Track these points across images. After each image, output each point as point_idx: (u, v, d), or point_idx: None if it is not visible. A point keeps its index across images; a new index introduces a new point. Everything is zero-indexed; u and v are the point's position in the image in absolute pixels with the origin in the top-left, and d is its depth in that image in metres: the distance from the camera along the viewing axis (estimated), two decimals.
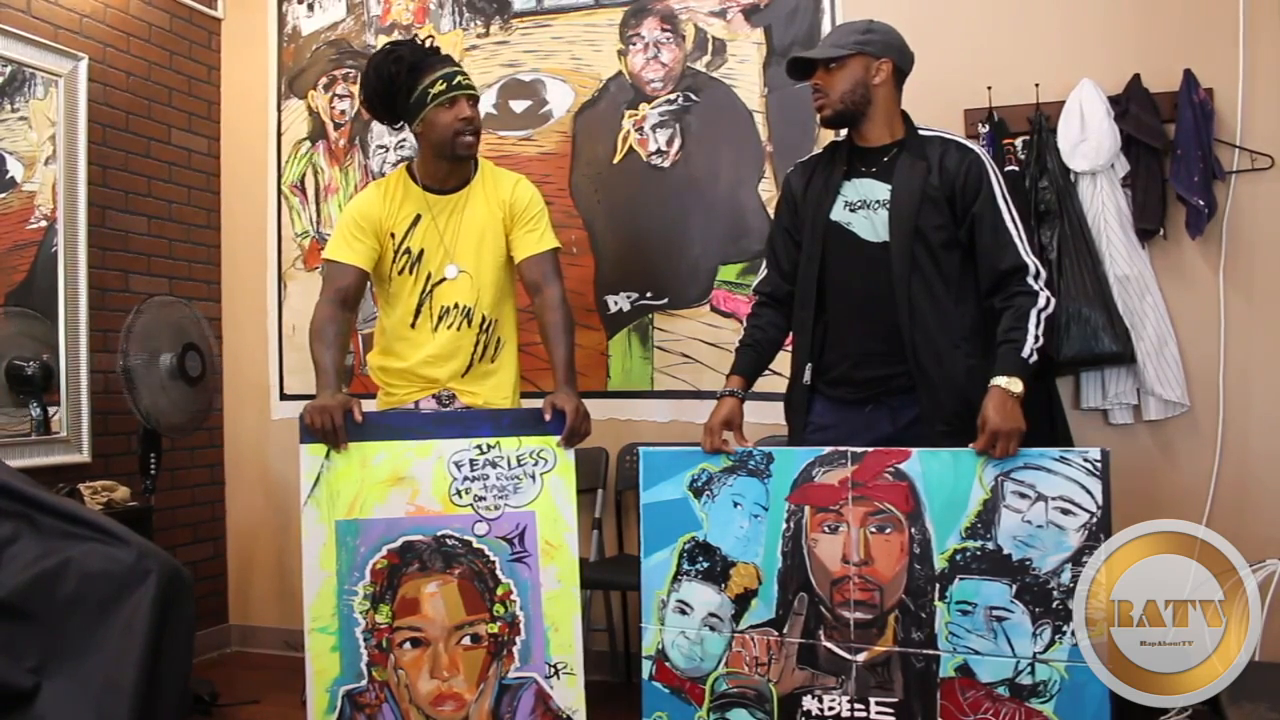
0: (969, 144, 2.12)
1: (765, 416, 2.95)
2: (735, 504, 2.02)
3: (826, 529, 1.95)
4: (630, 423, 3.08)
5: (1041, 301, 1.98)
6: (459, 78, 2.33)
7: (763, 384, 2.97)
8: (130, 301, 3.04)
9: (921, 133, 2.13)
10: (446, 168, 2.38)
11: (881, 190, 2.09)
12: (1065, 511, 1.82)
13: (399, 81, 2.30)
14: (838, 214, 2.12)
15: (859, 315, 2.10)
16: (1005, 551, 1.84)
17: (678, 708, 2.04)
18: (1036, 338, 1.95)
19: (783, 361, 2.70)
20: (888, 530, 1.91)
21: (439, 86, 2.29)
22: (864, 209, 2.11)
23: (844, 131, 2.20)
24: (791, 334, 2.25)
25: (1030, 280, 2.00)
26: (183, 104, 3.47)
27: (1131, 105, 2.60)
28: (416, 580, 2.13)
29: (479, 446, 2.16)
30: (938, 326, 2.04)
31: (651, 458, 2.11)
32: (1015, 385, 1.91)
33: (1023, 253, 2.01)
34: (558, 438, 2.17)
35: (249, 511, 3.56)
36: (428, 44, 2.39)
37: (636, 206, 3.12)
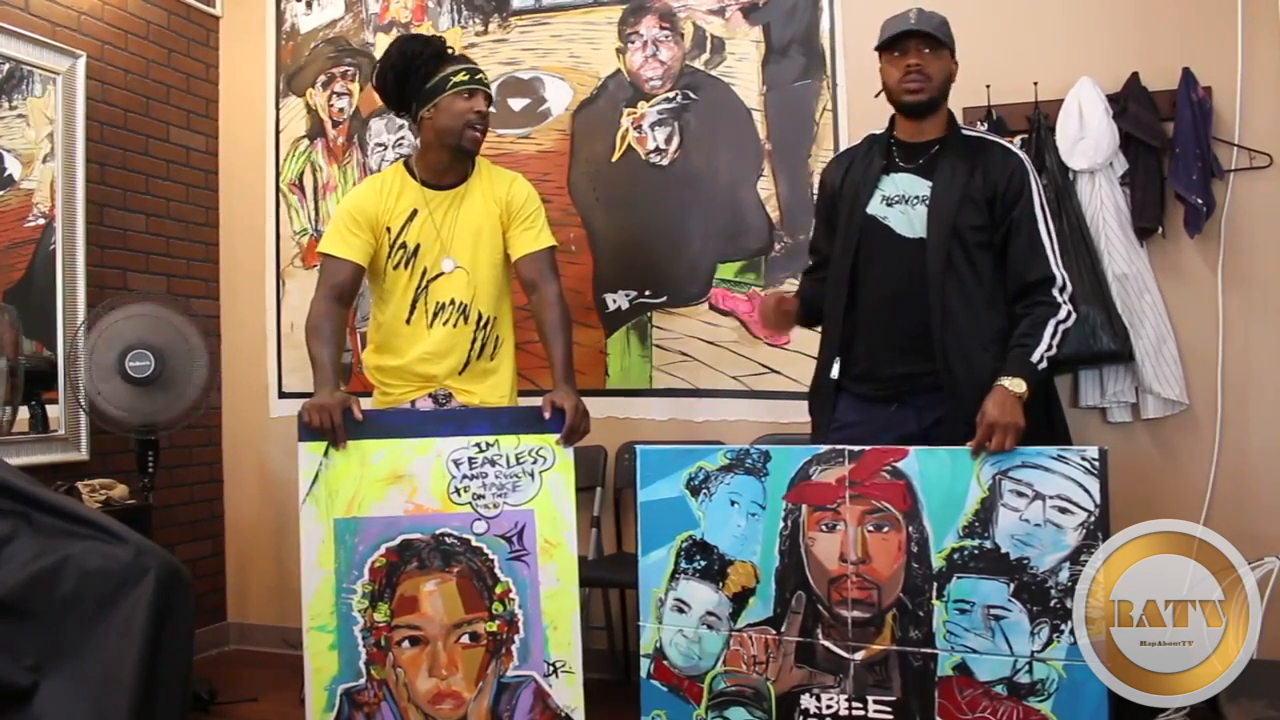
0: (1014, 148, 2.11)
1: (765, 415, 2.96)
2: (732, 502, 2.02)
3: (824, 527, 1.95)
4: (629, 421, 3.08)
5: (1062, 314, 1.98)
6: (480, 75, 2.38)
7: (763, 382, 2.98)
8: (129, 301, 3.04)
9: (965, 132, 2.13)
10: (447, 161, 2.38)
11: (921, 186, 2.08)
12: (1063, 510, 1.82)
13: (420, 61, 2.32)
14: (875, 208, 2.11)
15: (890, 311, 2.08)
16: (1003, 550, 1.84)
17: (676, 706, 2.04)
18: (1050, 346, 1.95)
19: (788, 361, 2.71)
20: (885, 529, 1.91)
21: (461, 76, 2.33)
22: (901, 204, 2.09)
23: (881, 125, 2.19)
24: (820, 326, 2.25)
25: (1055, 292, 1.99)
26: (181, 102, 3.46)
27: (1130, 103, 2.60)
28: (415, 578, 2.13)
29: (478, 444, 2.16)
30: (968, 327, 2.02)
31: (648, 456, 2.11)
32: (1018, 385, 1.91)
33: (1053, 264, 2.01)
34: (557, 436, 2.17)
35: (247, 509, 3.55)
36: (449, 48, 2.43)
37: (635, 204, 3.12)
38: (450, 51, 2.41)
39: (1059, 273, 2.01)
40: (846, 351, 2.13)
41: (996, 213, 2.04)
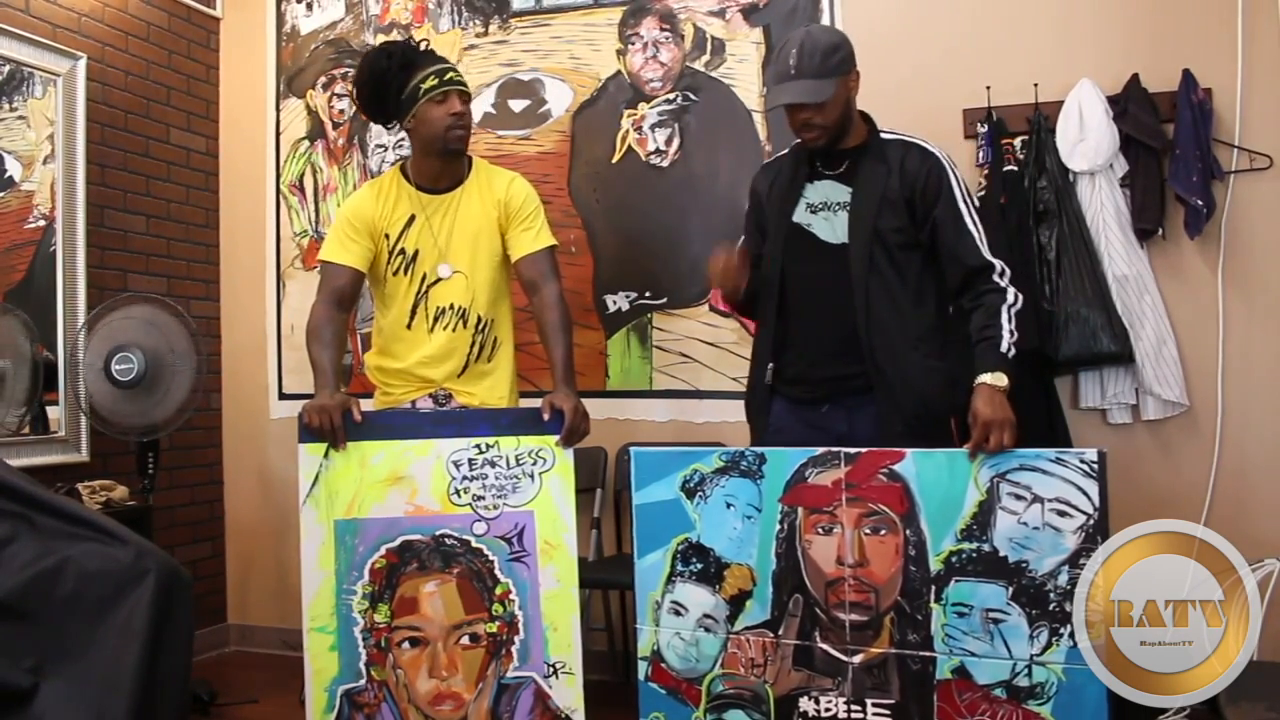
0: (930, 147, 2.13)
1: None
2: (728, 505, 2.01)
3: (820, 530, 1.95)
4: (629, 422, 3.08)
5: (1010, 298, 2.01)
6: (450, 74, 2.35)
7: None
8: (127, 303, 3.04)
9: (883, 135, 2.15)
10: (439, 166, 2.38)
11: (842, 192, 2.12)
12: (1062, 513, 1.82)
13: (390, 77, 2.32)
14: (799, 216, 2.15)
15: (818, 316, 2.12)
16: (1001, 554, 1.84)
17: (674, 709, 2.04)
18: (1011, 332, 1.98)
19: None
20: (882, 532, 1.91)
21: (430, 82, 2.31)
22: (825, 210, 2.13)
23: None
24: (753, 335, 2.27)
25: (996, 278, 2.03)
26: (181, 103, 3.47)
27: (1130, 105, 2.60)
28: (415, 580, 2.13)
29: (478, 446, 2.16)
30: (896, 327, 2.06)
31: (643, 458, 2.11)
32: (1000, 380, 1.93)
33: (985, 253, 2.04)
34: (556, 437, 2.16)
35: (248, 511, 3.56)
36: (421, 45, 2.40)
37: (635, 206, 3.12)
38: (420, 46, 2.39)
39: (994, 260, 2.04)
40: (779, 356, 2.16)
41: (918, 213, 2.08)
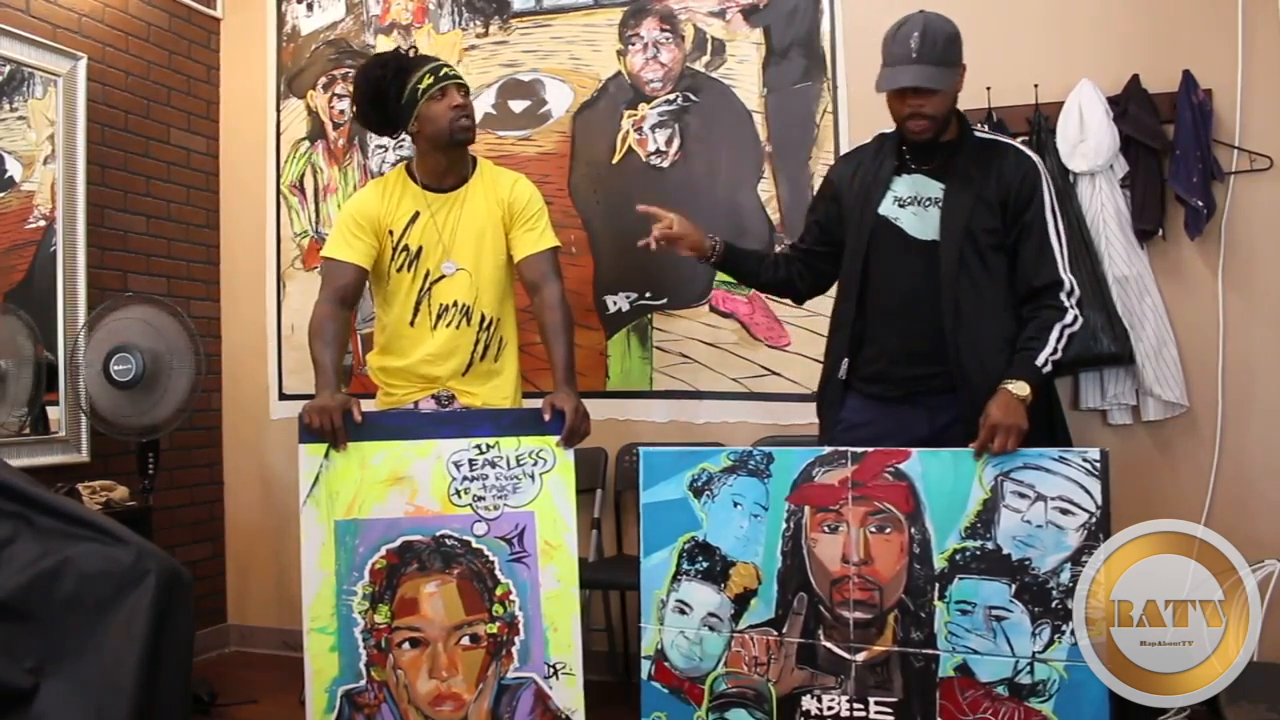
0: (1028, 151, 2.11)
1: (765, 417, 2.96)
2: (735, 504, 2.02)
3: (826, 529, 1.95)
4: (629, 423, 3.08)
5: (1068, 318, 1.98)
6: (444, 69, 2.37)
7: (764, 384, 2.98)
8: (127, 303, 3.04)
9: (977, 134, 2.12)
10: (445, 164, 2.38)
11: (935, 188, 2.08)
12: (1064, 511, 1.82)
13: (387, 85, 2.34)
14: (886, 209, 2.11)
15: (902, 312, 2.08)
16: (1005, 551, 1.84)
17: (676, 708, 2.04)
18: (1055, 350, 1.96)
19: (788, 363, 2.68)
20: (887, 530, 1.91)
21: (426, 80, 2.33)
22: (915, 205, 2.09)
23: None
24: (828, 328, 2.25)
25: (1063, 296, 2.00)
26: (182, 103, 3.46)
27: (1130, 106, 2.60)
28: (415, 580, 2.13)
29: (478, 446, 2.16)
30: (983, 329, 2.03)
31: (652, 458, 2.11)
32: (1022, 389, 1.91)
33: (1061, 269, 2.01)
34: (557, 438, 2.17)
35: (248, 511, 3.55)
36: (410, 51, 2.44)
37: (635, 206, 3.12)
38: (411, 52, 2.42)
39: (1067, 277, 2.01)
40: (856, 352, 2.13)
41: (1008, 216, 2.04)
